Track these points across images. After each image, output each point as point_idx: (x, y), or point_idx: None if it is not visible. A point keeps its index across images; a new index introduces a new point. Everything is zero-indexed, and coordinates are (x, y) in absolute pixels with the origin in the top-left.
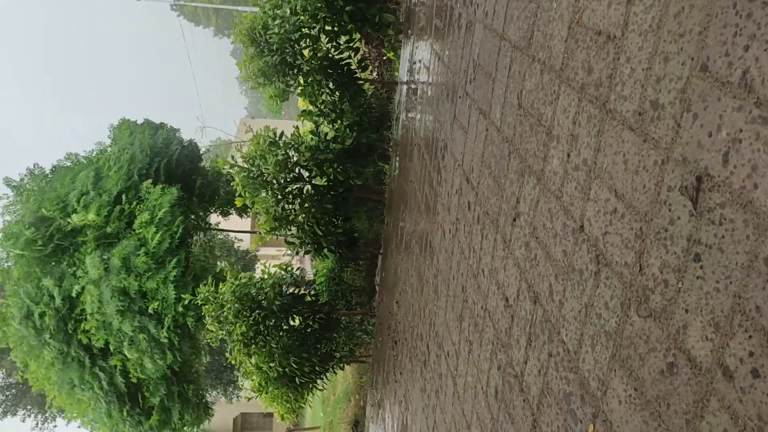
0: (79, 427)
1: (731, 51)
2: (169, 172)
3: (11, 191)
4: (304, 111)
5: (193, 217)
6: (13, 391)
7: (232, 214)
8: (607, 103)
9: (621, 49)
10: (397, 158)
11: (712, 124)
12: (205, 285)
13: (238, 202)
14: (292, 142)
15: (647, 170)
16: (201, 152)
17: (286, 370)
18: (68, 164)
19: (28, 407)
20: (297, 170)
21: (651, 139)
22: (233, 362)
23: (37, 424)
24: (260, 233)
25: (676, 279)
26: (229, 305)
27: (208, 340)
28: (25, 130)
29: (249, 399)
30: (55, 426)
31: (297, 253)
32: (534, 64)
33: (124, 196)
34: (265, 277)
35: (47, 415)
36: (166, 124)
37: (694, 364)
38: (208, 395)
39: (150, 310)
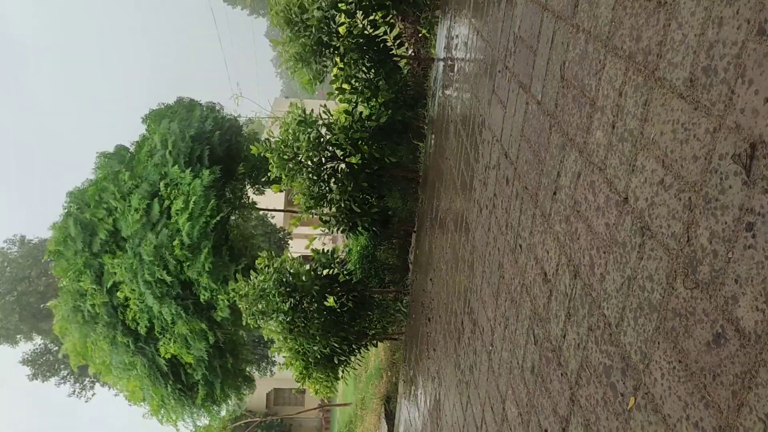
0: (116, 395)
1: None
2: (212, 156)
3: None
4: (337, 88)
5: (229, 194)
6: (48, 357)
7: (267, 190)
8: (656, 72)
9: (672, 15)
10: (433, 136)
11: None
12: (236, 281)
13: (275, 190)
14: (323, 120)
15: (698, 139)
16: (240, 124)
17: (327, 350)
18: (110, 159)
19: (64, 375)
20: (330, 149)
21: (702, 107)
22: (270, 340)
23: (74, 391)
24: (299, 212)
25: (726, 249)
26: (272, 291)
27: (250, 325)
28: (55, 120)
29: (282, 370)
30: (93, 394)
31: (331, 232)
32: (578, 35)
33: (162, 184)
34: (298, 265)
35: (85, 383)
36: (199, 102)
37: (743, 335)
38: (246, 367)
39: (202, 300)
